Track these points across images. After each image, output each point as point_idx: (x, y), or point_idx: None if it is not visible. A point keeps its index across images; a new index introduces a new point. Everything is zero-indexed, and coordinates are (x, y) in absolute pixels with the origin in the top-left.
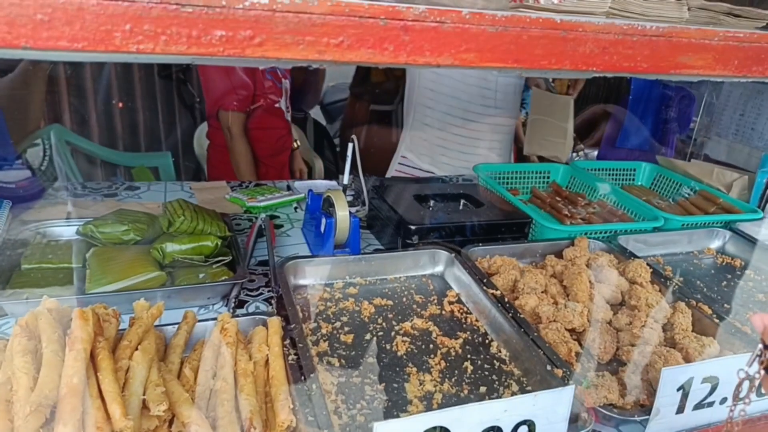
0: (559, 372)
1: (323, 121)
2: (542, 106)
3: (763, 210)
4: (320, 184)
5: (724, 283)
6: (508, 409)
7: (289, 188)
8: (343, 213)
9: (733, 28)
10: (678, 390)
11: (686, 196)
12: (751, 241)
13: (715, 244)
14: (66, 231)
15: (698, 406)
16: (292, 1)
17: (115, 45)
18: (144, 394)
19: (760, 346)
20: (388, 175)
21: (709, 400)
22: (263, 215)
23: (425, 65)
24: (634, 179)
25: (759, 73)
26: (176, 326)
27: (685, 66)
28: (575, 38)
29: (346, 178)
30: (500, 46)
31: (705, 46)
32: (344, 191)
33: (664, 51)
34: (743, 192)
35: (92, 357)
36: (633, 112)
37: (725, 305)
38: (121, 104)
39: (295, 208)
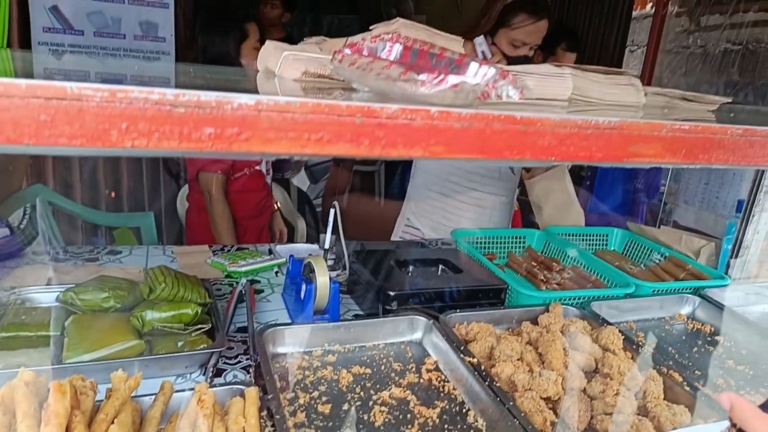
0: None
1: (305, 185)
2: (538, 192)
3: (728, 275)
4: (301, 248)
5: (695, 349)
6: None
7: (270, 252)
8: (323, 279)
9: (687, 113)
10: None
11: (657, 261)
12: (719, 307)
13: (686, 310)
14: (45, 297)
15: None
16: (276, 101)
17: (111, 142)
18: None
19: (728, 424)
20: (394, 237)
21: None
22: (244, 281)
23: (398, 157)
24: (607, 244)
25: (705, 160)
26: (153, 397)
27: (636, 155)
28: (534, 132)
29: (327, 242)
30: (466, 140)
31: (654, 138)
32: (325, 256)
33: (617, 142)
34: (711, 258)
35: (67, 431)
36: (603, 179)
37: (696, 372)
38: (113, 194)
39: (276, 272)
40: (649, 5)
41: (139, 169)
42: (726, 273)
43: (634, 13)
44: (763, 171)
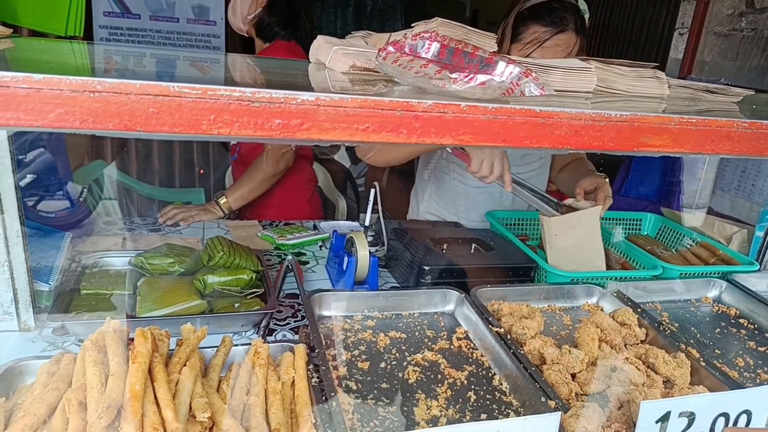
0: (552, 403)
1: (347, 163)
2: (562, 228)
3: (760, 263)
4: (344, 225)
5: (718, 330)
6: (500, 430)
7: (315, 227)
8: (363, 252)
9: (710, 104)
10: (657, 422)
11: (688, 246)
12: (746, 291)
13: (712, 293)
14: (118, 261)
15: None
16: (332, 98)
17: (202, 129)
18: (190, 403)
19: None
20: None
21: None
22: (290, 257)
23: (431, 144)
24: (640, 229)
25: (711, 150)
26: (214, 349)
27: (646, 145)
28: (552, 124)
29: (368, 220)
30: (491, 130)
31: (664, 129)
32: (365, 232)
33: (628, 133)
34: (743, 245)
35: (149, 370)
36: (640, 164)
37: (716, 351)
38: (201, 171)
39: (320, 246)
40: None
41: (191, 148)
42: (757, 260)
43: None
44: None
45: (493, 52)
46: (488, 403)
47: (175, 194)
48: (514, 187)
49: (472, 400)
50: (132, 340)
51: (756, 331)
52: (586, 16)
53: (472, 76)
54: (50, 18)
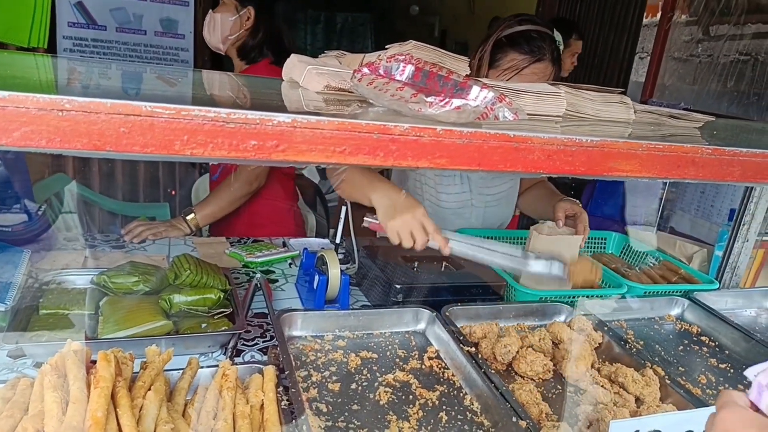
0: (524, 423)
1: (315, 178)
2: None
3: (720, 281)
4: (314, 242)
5: (681, 348)
6: None
7: (284, 244)
8: (335, 271)
9: (673, 129)
10: None
11: (651, 265)
12: (707, 309)
13: (675, 311)
14: (79, 279)
15: None
16: (308, 120)
17: (175, 150)
18: (155, 430)
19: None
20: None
21: None
22: (259, 275)
23: (408, 167)
24: (605, 248)
25: (677, 175)
26: (180, 371)
27: (616, 170)
28: (525, 148)
29: (338, 237)
30: (466, 154)
31: (632, 155)
32: (336, 250)
33: (598, 158)
34: (703, 264)
35: (112, 395)
36: (605, 184)
37: (680, 368)
38: (173, 192)
39: (290, 264)
40: (660, 13)
41: (156, 163)
42: (716, 278)
43: (645, 21)
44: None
45: (467, 75)
46: (460, 423)
47: (139, 209)
48: (451, 248)
49: (443, 420)
50: (94, 363)
51: (717, 349)
52: (562, 47)
53: (447, 100)
54: (13, 29)
